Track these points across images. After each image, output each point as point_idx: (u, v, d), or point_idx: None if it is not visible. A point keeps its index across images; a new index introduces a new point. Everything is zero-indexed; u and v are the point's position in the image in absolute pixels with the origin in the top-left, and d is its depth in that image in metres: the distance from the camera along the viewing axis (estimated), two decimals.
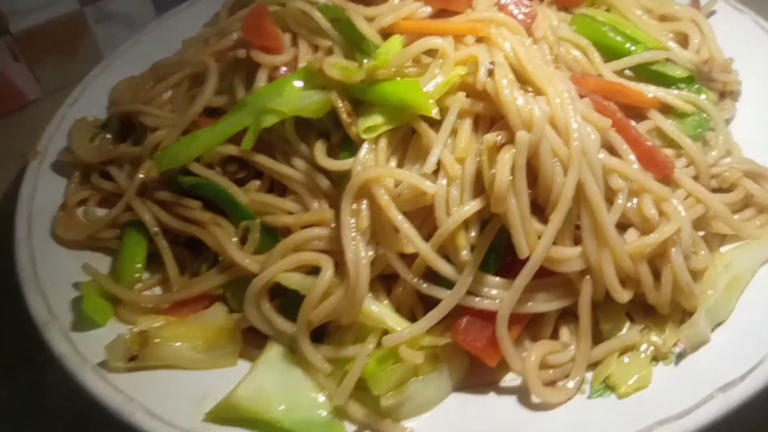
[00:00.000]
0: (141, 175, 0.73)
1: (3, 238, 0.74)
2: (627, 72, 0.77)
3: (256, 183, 0.71)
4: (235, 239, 0.67)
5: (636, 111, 0.73)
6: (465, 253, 0.58)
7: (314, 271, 0.62)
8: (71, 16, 1.13)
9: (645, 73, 0.77)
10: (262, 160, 0.69)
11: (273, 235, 0.66)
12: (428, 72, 0.64)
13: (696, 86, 0.75)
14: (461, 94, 0.62)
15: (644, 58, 0.76)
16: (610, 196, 0.62)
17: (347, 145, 0.66)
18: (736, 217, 0.67)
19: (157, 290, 0.71)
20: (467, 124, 0.62)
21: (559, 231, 0.58)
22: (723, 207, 0.65)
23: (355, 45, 0.70)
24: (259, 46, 0.74)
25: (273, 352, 0.61)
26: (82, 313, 0.64)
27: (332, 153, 0.67)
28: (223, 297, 0.66)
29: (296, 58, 0.74)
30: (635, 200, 0.62)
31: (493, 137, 0.58)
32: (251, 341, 0.63)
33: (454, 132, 0.62)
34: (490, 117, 0.62)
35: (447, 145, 0.61)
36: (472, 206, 0.58)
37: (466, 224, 0.59)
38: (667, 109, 0.74)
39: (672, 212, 0.61)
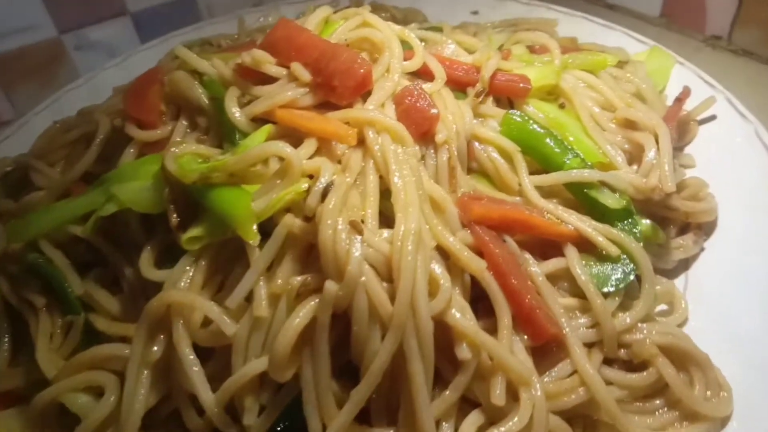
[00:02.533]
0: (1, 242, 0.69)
1: None
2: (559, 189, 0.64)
3: (99, 271, 0.64)
4: (59, 331, 0.61)
5: (552, 242, 0.60)
6: (249, 417, 0.48)
7: None
8: (49, 42, 1.13)
9: (578, 194, 0.63)
10: (105, 248, 0.63)
11: (94, 333, 0.60)
12: (268, 182, 0.54)
13: (630, 221, 0.60)
14: (289, 217, 0.52)
15: (574, 177, 0.62)
16: (451, 370, 0.49)
17: (181, 252, 0.57)
18: (638, 405, 0.52)
19: None
20: (292, 254, 0.51)
21: (372, 407, 0.47)
22: (610, 399, 0.50)
23: (226, 130, 0.62)
24: (134, 118, 0.67)
25: None
26: None
27: (172, 254, 0.59)
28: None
29: (172, 131, 0.66)
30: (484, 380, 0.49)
31: (297, 281, 0.48)
32: None
33: (280, 260, 0.52)
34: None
35: (266, 277, 0.51)
36: (265, 362, 0.48)
37: (261, 380, 0.49)
38: (590, 246, 0.60)
39: (525, 404, 0.47)
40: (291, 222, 0.51)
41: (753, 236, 0.64)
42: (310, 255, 0.52)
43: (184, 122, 0.67)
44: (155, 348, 0.52)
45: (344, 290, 0.46)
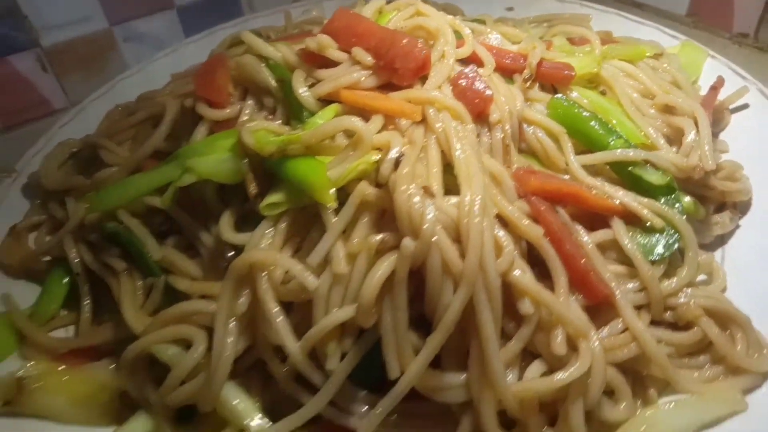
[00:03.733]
0: (74, 218, 0.74)
1: None
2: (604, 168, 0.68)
3: (175, 238, 0.69)
4: (140, 293, 0.66)
5: (600, 216, 0.64)
6: (332, 362, 0.53)
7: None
8: (101, 33, 1.19)
9: (622, 172, 0.67)
10: (182, 217, 0.68)
11: (174, 294, 0.64)
12: (341, 154, 0.59)
13: (674, 196, 0.65)
14: (363, 185, 0.56)
15: (619, 156, 0.66)
16: (515, 323, 0.54)
17: (245, 225, 0.62)
18: (684, 360, 0.57)
19: (71, 328, 0.71)
20: (366, 218, 0.56)
21: (444, 354, 0.52)
22: (660, 352, 0.55)
23: (293, 110, 0.67)
24: (204, 98, 0.72)
25: (137, 423, 0.58)
26: None
27: (248, 222, 0.64)
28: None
29: (241, 111, 0.71)
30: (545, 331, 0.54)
31: (376, 239, 0.52)
32: (128, 404, 0.62)
33: (354, 224, 0.57)
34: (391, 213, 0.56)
35: (342, 239, 0.56)
36: (348, 312, 0.53)
37: (342, 329, 0.54)
38: (633, 219, 0.64)
39: (584, 352, 0.52)
40: (364, 189, 0.56)
41: None
42: (381, 219, 0.57)
43: (252, 102, 0.72)
44: (241, 301, 0.56)
45: (420, 247, 0.51)
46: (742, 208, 0.71)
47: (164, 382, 0.56)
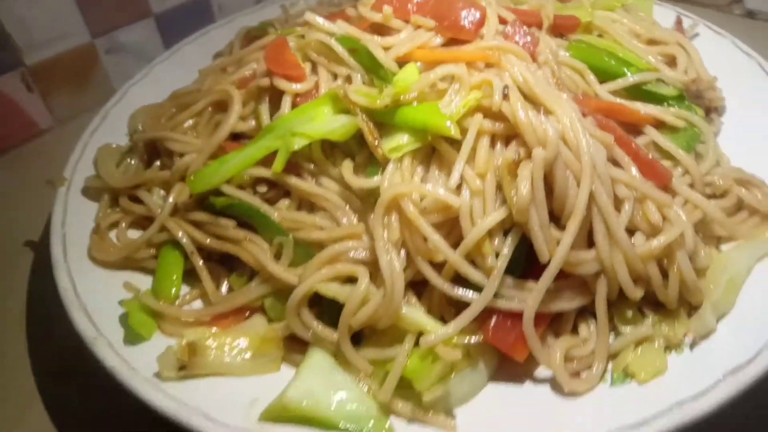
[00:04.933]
0: (171, 198, 0.77)
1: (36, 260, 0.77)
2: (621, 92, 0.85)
3: (285, 202, 0.75)
4: (269, 255, 0.71)
5: (632, 127, 0.80)
6: (491, 259, 0.63)
7: (349, 281, 0.66)
8: (83, 47, 1.18)
9: (637, 92, 0.84)
10: (292, 181, 0.74)
11: (304, 250, 0.71)
12: (446, 96, 0.70)
13: (686, 103, 0.82)
14: (479, 116, 0.68)
15: (638, 79, 0.83)
16: (617, 205, 0.68)
17: (371, 165, 0.71)
18: (731, 219, 0.74)
19: (196, 304, 0.74)
20: (485, 142, 0.67)
21: (575, 241, 0.64)
22: (719, 211, 0.71)
23: (373, 72, 0.76)
24: (281, 74, 0.79)
25: (315, 357, 0.65)
26: (128, 328, 0.68)
27: (356, 172, 0.72)
28: (260, 309, 0.70)
29: (317, 85, 0.79)
30: (640, 208, 0.68)
31: (513, 154, 0.64)
32: (292, 348, 0.67)
33: (473, 150, 0.68)
34: (505, 136, 0.68)
35: (467, 162, 0.67)
36: (495, 216, 0.64)
37: (489, 233, 0.64)
38: (659, 125, 0.81)
39: (674, 217, 0.67)
40: (479, 119, 0.67)
41: None
42: (493, 144, 0.68)
43: (325, 73, 0.79)
44: (393, 228, 0.65)
45: (550, 153, 0.63)
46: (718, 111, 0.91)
47: (343, 311, 0.63)
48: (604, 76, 0.85)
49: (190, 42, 1.13)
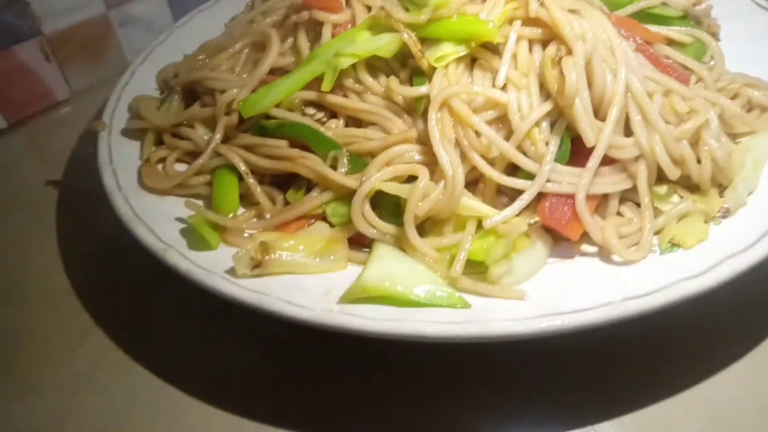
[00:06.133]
0: (220, 125, 0.80)
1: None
2: None
3: (334, 122, 0.79)
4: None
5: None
6: (541, 146, 0.68)
7: (407, 181, 0.70)
8: (98, 18, 1.20)
9: (645, 17, 0.91)
10: (339, 100, 0.78)
11: (358, 161, 0.74)
12: (484, 8, 0.75)
13: (690, 22, 0.90)
14: (518, 22, 0.73)
15: (644, 4, 0.90)
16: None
17: (416, 76, 0.75)
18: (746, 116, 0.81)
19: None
20: (525, 46, 0.73)
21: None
22: (736, 107, 0.78)
23: (406, 2, 0.81)
24: (319, 7, 0.83)
25: (383, 249, 0.68)
26: (196, 238, 0.70)
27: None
28: (321, 217, 0.73)
29: (353, 16, 0.84)
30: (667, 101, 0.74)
31: (554, 50, 0.69)
32: (355, 249, 0.71)
33: (513, 54, 0.73)
34: (542, 41, 0.73)
35: (510, 64, 0.72)
36: (543, 108, 0.69)
37: (536, 125, 0.69)
38: (668, 43, 0.88)
39: (699, 106, 0.73)
40: (518, 26, 0.73)
41: None
42: (532, 47, 0.74)
43: (359, 4, 0.84)
44: (448, 126, 0.69)
45: (589, 46, 0.68)
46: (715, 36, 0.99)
47: (407, 202, 0.67)
48: (614, 7, 0.92)
49: (202, 11, 1.16)
